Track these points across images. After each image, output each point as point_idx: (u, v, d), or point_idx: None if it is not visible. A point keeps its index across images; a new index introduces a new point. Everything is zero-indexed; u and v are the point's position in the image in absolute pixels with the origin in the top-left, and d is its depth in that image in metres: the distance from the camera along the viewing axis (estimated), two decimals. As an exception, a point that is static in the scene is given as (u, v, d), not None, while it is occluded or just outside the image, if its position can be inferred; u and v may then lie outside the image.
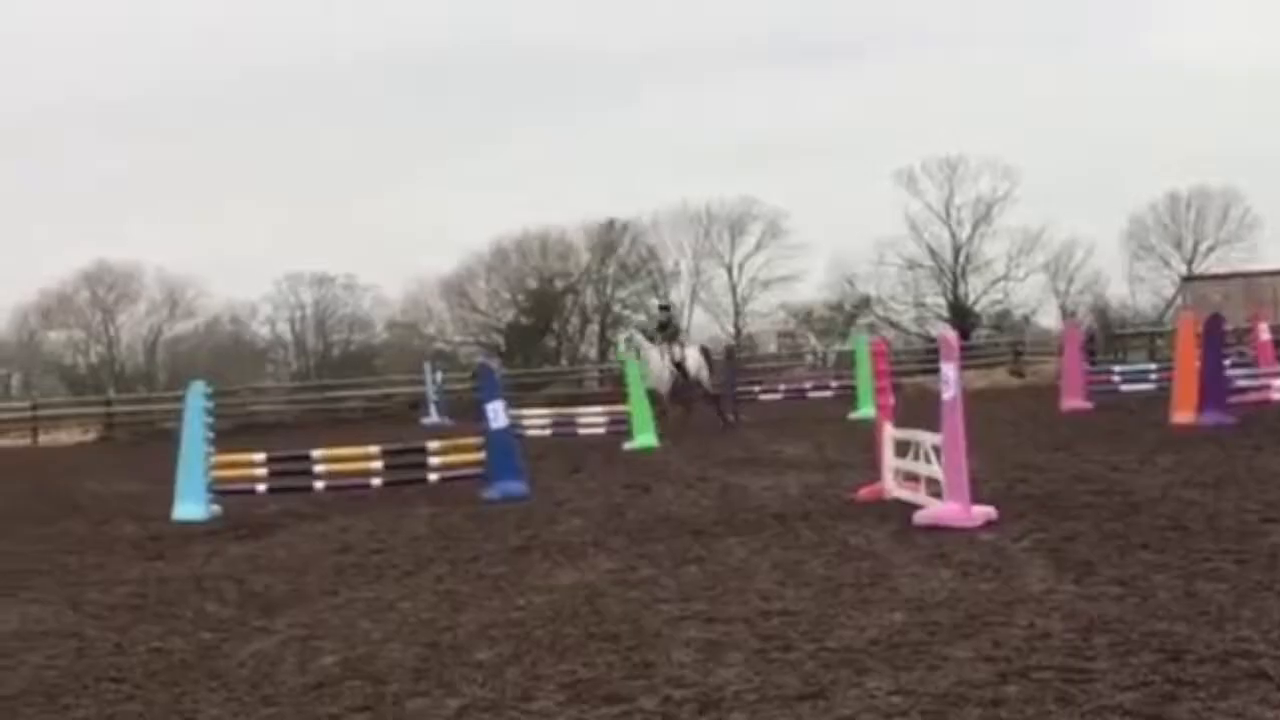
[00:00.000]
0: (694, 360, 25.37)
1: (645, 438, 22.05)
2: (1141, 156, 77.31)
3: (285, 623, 8.89)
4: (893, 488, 12.80)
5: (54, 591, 10.78)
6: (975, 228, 64.85)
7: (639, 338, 26.05)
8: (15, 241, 75.68)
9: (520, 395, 34.32)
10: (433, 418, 35.86)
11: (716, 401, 25.83)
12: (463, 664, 7.30)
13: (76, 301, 64.45)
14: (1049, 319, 64.19)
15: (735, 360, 32.28)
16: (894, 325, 64.69)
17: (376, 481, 15.93)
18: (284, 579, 10.69)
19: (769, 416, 27.42)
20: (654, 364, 24.45)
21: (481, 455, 15.76)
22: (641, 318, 65.42)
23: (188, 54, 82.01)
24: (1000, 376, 40.97)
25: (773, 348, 64.62)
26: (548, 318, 64.11)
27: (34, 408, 42.19)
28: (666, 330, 25.95)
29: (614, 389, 34.68)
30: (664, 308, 28.85)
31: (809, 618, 7.76)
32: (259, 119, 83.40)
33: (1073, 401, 24.60)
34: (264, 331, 67.95)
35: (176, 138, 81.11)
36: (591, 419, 24.44)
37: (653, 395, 23.42)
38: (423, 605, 9.13)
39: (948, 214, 64.92)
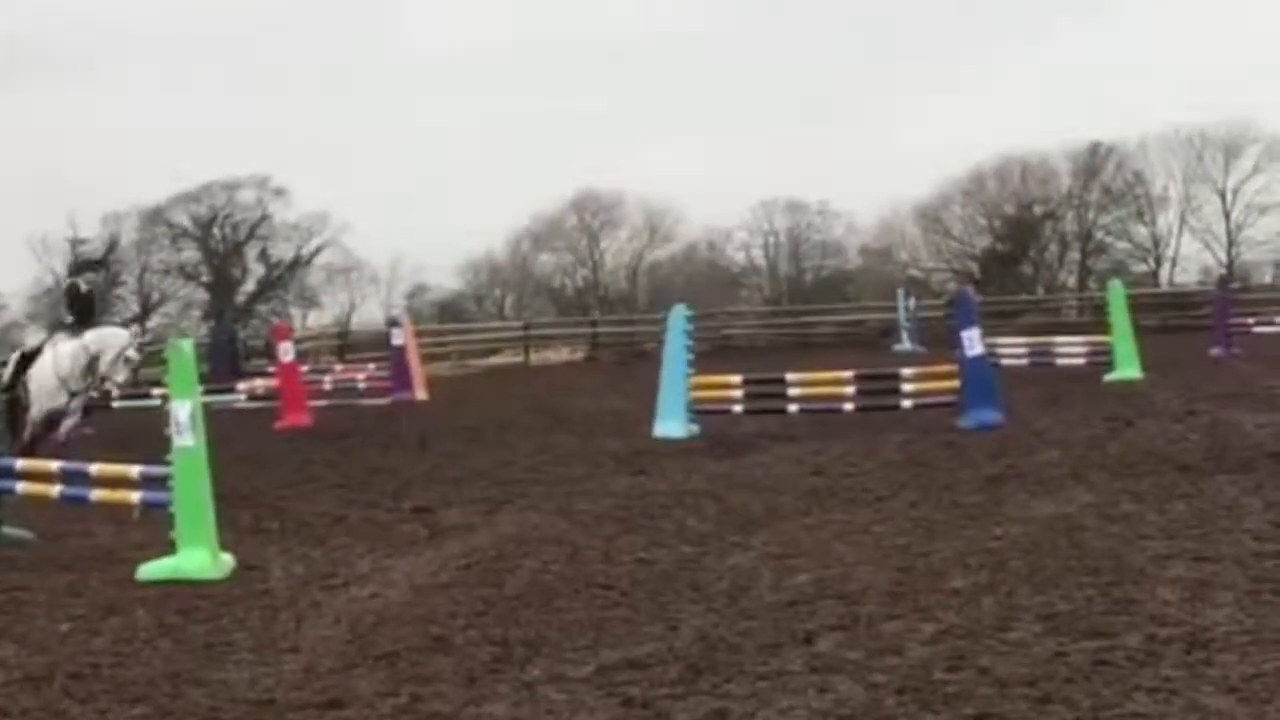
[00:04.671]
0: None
1: (1128, 369, 21.23)
2: None
3: (761, 540, 9.12)
4: (1405, 429, 11.89)
5: (547, 501, 11.44)
6: None
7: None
8: (511, 169, 79.91)
9: (995, 323, 33.64)
10: (904, 344, 35.70)
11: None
12: (937, 590, 7.30)
13: (565, 226, 67.48)
14: None
15: (1227, 290, 30.53)
16: None
17: (849, 406, 16.02)
18: (759, 498, 10.94)
19: (1265, 350, 25.86)
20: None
21: (956, 383, 15.59)
22: (1125, 244, 62.95)
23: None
24: None
25: (1269, 278, 60.77)
26: (1025, 244, 62.42)
27: (526, 327, 44.51)
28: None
29: (1094, 318, 33.54)
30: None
31: (1307, 561, 7.34)
32: (737, 50, 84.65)
33: None
34: (739, 257, 69.14)
35: (658, 72, 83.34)
36: (1070, 349, 23.70)
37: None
38: (896, 530, 9.16)
39: None
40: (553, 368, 37.84)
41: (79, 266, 15.11)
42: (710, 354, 30.27)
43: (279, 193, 63.14)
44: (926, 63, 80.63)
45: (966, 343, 15.48)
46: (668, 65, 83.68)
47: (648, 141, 79.47)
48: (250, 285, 64.85)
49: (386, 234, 76.35)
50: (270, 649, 7.01)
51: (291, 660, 6.76)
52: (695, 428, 15.93)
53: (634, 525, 10.03)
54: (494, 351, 43.27)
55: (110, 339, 14.05)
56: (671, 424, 15.92)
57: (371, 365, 27.75)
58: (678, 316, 16.68)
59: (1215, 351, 26.39)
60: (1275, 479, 10.20)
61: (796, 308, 54.56)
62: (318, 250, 64.47)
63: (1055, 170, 62.69)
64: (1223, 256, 62.18)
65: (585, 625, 7.07)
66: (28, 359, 14.05)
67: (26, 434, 13.59)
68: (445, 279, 66.35)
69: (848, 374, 16.52)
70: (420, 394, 25.40)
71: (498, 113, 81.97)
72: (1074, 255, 63.18)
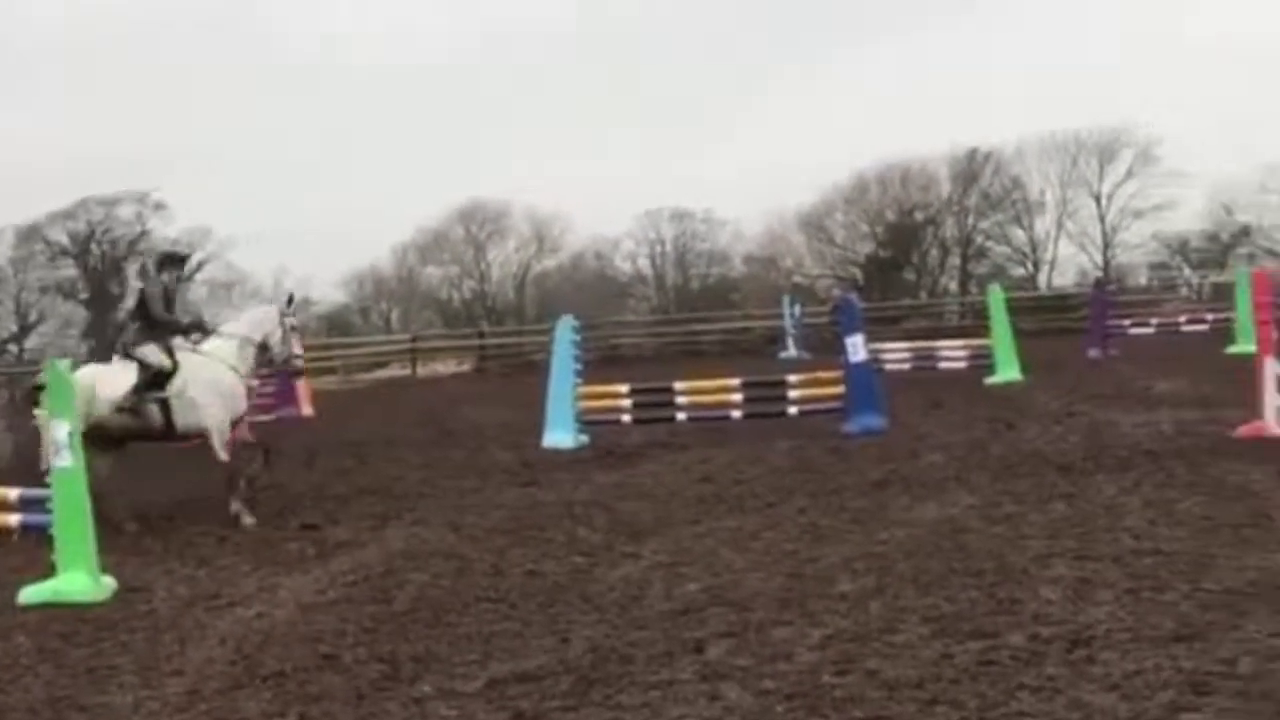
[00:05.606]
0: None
1: (1009, 372, 21.59)
2: None
3: (651, 549, 9.15)
4: (1275, 426, 12.20)
5: (436, 515, 11.38)
6: (1367, 151, 60.50)
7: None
8: (396, 182, 79.41)
9: (879, 329, 34.01)
10: (790, 351, 35.97)
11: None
12: (825, 595, 7.37)
13: (451, 238, 67.19)
14: None
15: (1104, 292, 31.14)
16: (1275, 255, 61.07)
17: (736, 414, 16.13)
18: (649, 507, 10.98)
19: (1140, 351, 26.41)
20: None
21: (840, 389, 15.75)
22: (1004, 249, 63.97)
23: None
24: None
25: (1143, 280, 62.10)
26: (907, 250, 63.21)
27: (413, 340, 44.24)
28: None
29: (975, 322, 34.08)
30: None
31: (1184, 558, 7.51)
32: (622, 59, 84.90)
33: None
34: (626, 266, 69.32)
35: (538, 78, 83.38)
36: (952, 353, 24.08)
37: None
38: (784, 536, 9.24)
39: (1339, 136, 60.77)
40: (441, 380, 37.64)
41: (163, 261, 13.07)
42: (599, 364, 30.29)
43: (158, 208, 62.16)
44: (810, 71, 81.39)
45: (850, 348, 15.66)
46: (552, 73, 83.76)
47: (534, 151, 79.41)
48: (130, 301, 63.67)
49: (270, 248, 75.66)
50: (154, 672, 6.91)
51: (176, 683, 6.67)
52: (584, 438, 15.94)
53: (524, 537, 10.01)
54: (381, 365, 42.98)
55: (266, 321, 12.89)
56: (560, 435, 15.91)
57: (255, 381, 27.38)
58: (564, 328, 16.69)
59: (1092, 353, 26.90)
60: (1152, 478, 10.43)
61: (684, 316, 54.72)
62: (199, 265, 63.59)
63: (935, 176, 63.56)
64: (1099, 259, 63.44)
65: (475, 639, 7.05)
66: (161, 375, 12.08)
67: (225, 453, 12.02)
68: (330, 292, 65.77)
69: (735, 382, 16.62)
70: (306, 410, 25.15)
71: (379, 123, 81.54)
72: (955, 260, 64.13)
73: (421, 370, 40.79)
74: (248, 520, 11.53)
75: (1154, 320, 31.55)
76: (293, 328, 12.91)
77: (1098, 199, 63.77)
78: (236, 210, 75.87)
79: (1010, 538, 8.53)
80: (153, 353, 12.12)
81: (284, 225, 71.66)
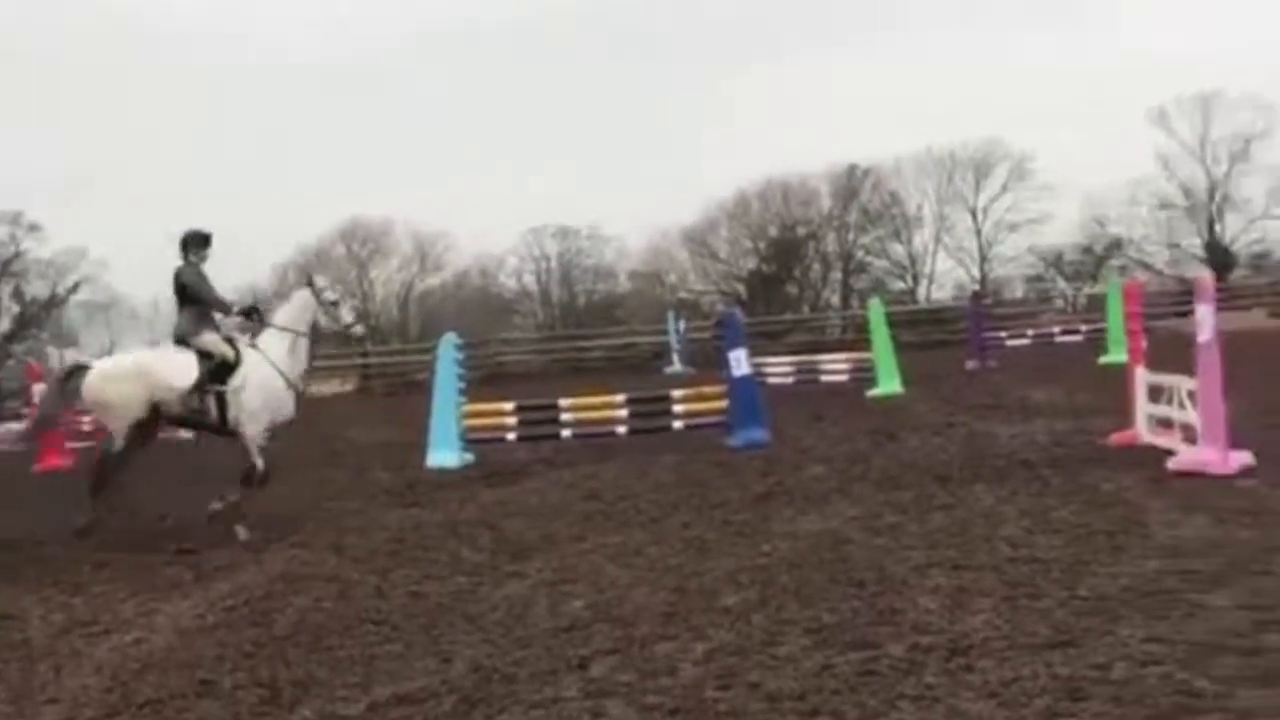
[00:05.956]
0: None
1: (890, 384, 21.85)
2: None
3: (536, 567, 9.12)
4: (1146, 434, 12.47)
5: (318, 537, 11.25)
6: (1232, 165, 62.11)
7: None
8: (275, 200, 78.56)
9: (762, 343, 34.29)
10: (675, 366, 36.13)
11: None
12: (709, 609, 7.39)
13: (333, 256, 66.61)
14: (1314, 259, 61.20)
15: (981, 305, 31.65)
16: (1146, 267, 62.46)
17: (622, 430, 16.15)
18: (534, 525, 10.95)
19: (1017, 362, 26.87)
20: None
21: (724, 403, 15.86)
22: (884, 263, 64.76)
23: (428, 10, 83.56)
24: (1259, 318, 39.36)
25: (1019, 292, 63.23)
26: (789, 265, 63.80)
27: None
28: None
29: (857, 336, 34.44)
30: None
31: (1059, 565, 7.64)
32: (498, 73, 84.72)
33: (1340, 343, 23.55)
34: (511, 284, 69.24)
35: (421, 95, 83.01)
36: (834, 366, 24.33)
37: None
38: (669, 551, 9.25)
39: (1203, 151, 62.34)
40: (323, 400, 37.23)
41: (187, 242, 12.38)
42: (484, 381, 30.20)
43: (33, 228, 61.00)
44: (689, 87, 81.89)
45: (734, 363, 15.77)
46: (434, 89, 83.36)
47: (416, 168, 78.94)
48: (4, 324, 62.38)
49: (147, 269, 74.35)
50: (28, 700, 6.76)
51: (51, 712, 6.53)
52: (469, 456, 15.87)
53: (407, 558, 9.93)
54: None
55: (306, 308, 12.43)
56: (444, 454, 15.83)
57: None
58: (447, 345, 16.62)
59: (971, 365, 27.36)
60: (1028, 487, 10.60)
61: (569, 333, 54.76)
62: (75, 287, 62.44)
63: (816, 192, 64.32)
64: (976, 273, 64.54)
65: (356, 662, 6.97)
66: (224, 367, 11.84)
67: (260, 462, 11.95)
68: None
69: (620, 398, 16.65)
70: (184, 431, 24.73)
71: (257, 140, 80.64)
72: (836, 274, 64.89)
73: (304, 390, 40.25)
74: (242, 534, 11.48)
75: (1030, 332, 32.14)
76: (333, 302, 12.80)
77: (974, 213, 64.93)
78: (112, 231, 74.51)
79: (891, 548, 8.63)
80: (216, 343, 12.02)
81: (161, 246, 70.49)
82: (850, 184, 63.91)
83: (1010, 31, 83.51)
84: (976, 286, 56.05)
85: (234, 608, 8.61)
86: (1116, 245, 63.54)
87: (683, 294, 63.58)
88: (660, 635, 6.90)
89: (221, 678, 6.88)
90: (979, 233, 65.09)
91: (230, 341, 12.06)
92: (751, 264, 64.50)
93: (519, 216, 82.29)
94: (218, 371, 11.87)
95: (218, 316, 12.32)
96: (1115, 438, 12.70)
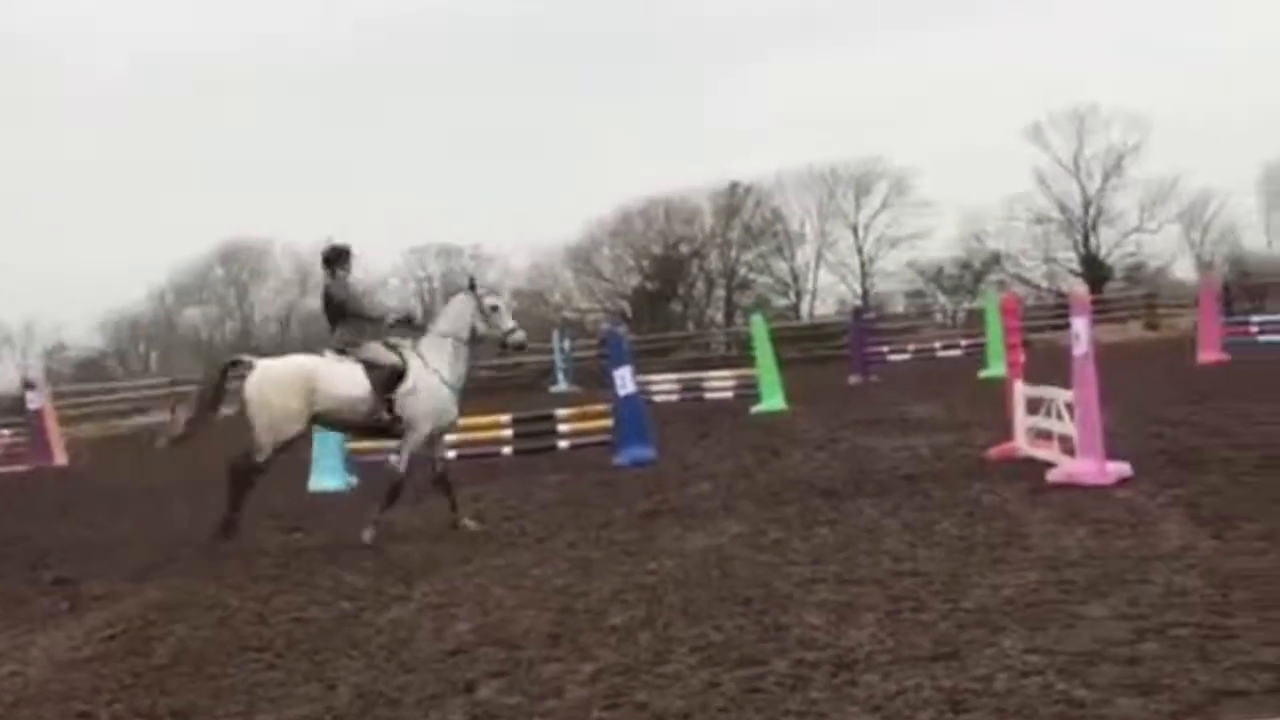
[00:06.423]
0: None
1: (774, 400, 21.99)
2: (1277, 101, 75.01)
3: (421, 591, 9.03)
4: (1025, 446, 12.66)
5: (198, 564, 11.05)
6: (1106, 179, 63.49)
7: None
8: (151, 221, 77.35)
9: (647, 361, 34.35)
10: (561, 385, 36.10)
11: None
12: (596, 629, 7.36)
13: (211, 278, 65.78)
14: (1184, 271, 62.78)
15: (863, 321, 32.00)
16: (1024, 281, 63.64)
17: (507, 450, 16.09)
18: (419, 547, 10.85)
19: (898, 377, 27.20)
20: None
21: (610, 422, 15.86)
22: (767, 279, 65.21)
23: (309, 22, 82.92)
24: (1134, 330, 40.27)
25: (901, 308, 64.05)
26: (673, 283, 64.06)
27: (173, 384, 43.01)
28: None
29: (741, 352, 34.62)
30: None
31: (941, 578, 7.71)
32: (381, 91, 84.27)
33: (1209, 354, 24.13)
34: (393, 303, 68.86)
35: (300, 113, 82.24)
36: (719, 383, 24.45)
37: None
38: (555, 571, 9.22)
39: (1077, 166, 63.67)
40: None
41: (330, 258, 12.13)
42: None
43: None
44: (572, 105, 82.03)
45: (619, 381, 15.78)
46: (312, 109, 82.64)
47: (294, 190, 78.20)
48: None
49: (19, 291, 72.81)
50: (-106, 742, 6.55)
51: (-82, 752, 6.33)
52: (354, 479, 15.70)
53: (290, 584, 9.79)
54: (141, 411, 41.64)
55: (464, 312, 12.23)
56: (328, 477, 15.66)
57: (6, 431, 26.40)
58: (329, 367, 16.39)
59: (854, 379, 27.64)
60: (911, 500, 10.71)
61: (453, 352, 54.36)
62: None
63: (698, 209, 64.65)
64: (858, 288, 65.31)
65: (238, 690, 6.85)
66: (395, 375, 11.79)
67: (404, 466, 11.82)
68: (85, 337, 63.64)
69: (505, 418, 16.59)
70: (61, 459, 24.27)
71: (130, 158, 79.37)
72: (720, 291, 65.27)
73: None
74: (367, 536, 11.42)
75: (911, 347, 32.65)
76: (493, 307, 12.50)
77: (855, 230, 65.75)
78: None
79: (776, 564, 8.66)
80: (382, 353, 11.94)
81: (34, 269, 69.17)
82: (732, 201, 64.37)
83: (890, 49, 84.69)
84: (858, 302, 56.66)
85: (112, 638, 8.43)
86: (995, 260, 64.66)
87: (568, 313, 63.57)
88: (547, 656, 6.86)
89: (99, 709, 6.72)
90: (860, 249, 65.93)
91: (394, 349, 12.05)
92: (635, 282, 64.68)
93: (401, 237, 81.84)
94: (389, 380, 11.85)
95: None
96: (995, 451, 12.88)
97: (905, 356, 30.88)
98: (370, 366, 11.80)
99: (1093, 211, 63.91)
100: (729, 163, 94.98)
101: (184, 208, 79.22)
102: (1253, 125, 74.53)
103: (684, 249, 64.49)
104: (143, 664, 7.64)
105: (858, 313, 34.09)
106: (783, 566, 8.55)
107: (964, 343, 31.11)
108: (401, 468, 11.85)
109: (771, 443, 16.15)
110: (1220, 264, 59.12)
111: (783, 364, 23.72)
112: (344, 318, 12.09)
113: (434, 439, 12.10)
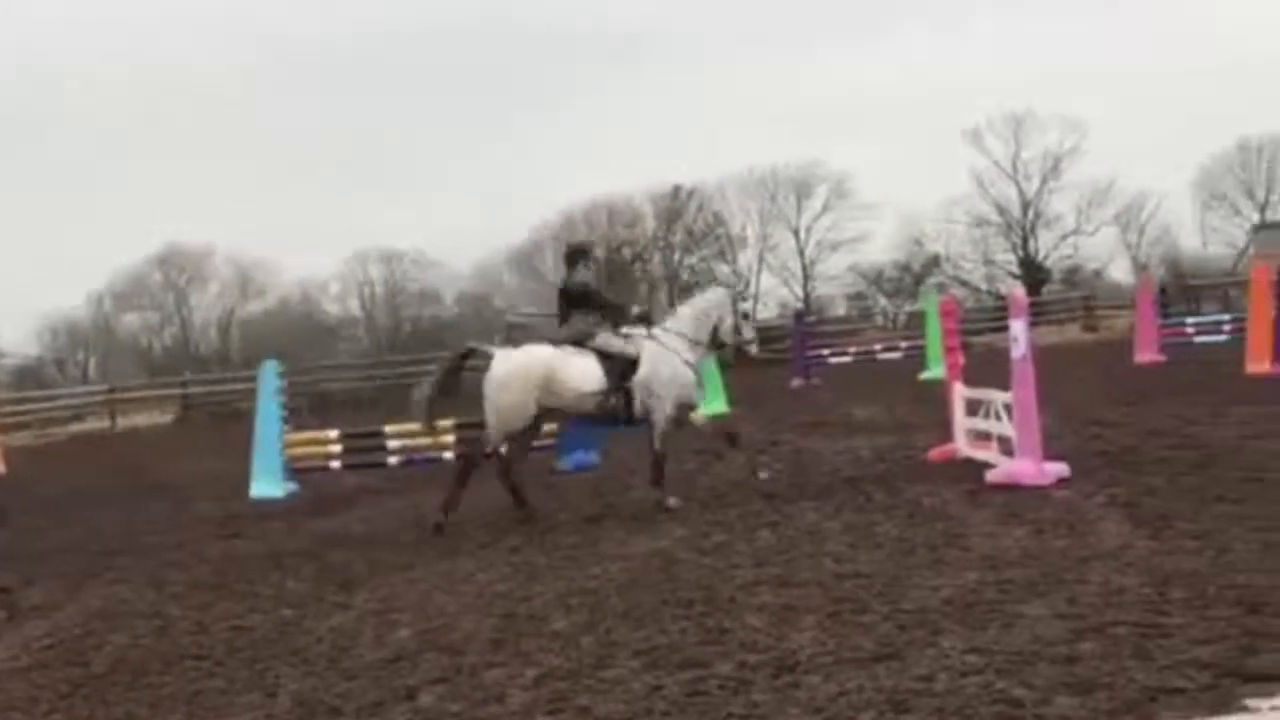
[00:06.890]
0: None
1: (715, 404, 22.00)
2: (1211, 105, 76.01)
3: (363, 597, 8.99)
4: (964, 447, 12.74)
5: (137, 571, 10.96)
6: (1043, 182, 64.15)
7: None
8: (87, 226, 76.57)
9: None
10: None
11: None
12: (539, 634, 7.35)
13: (150, 283, 65.21)
14: (1121, 272, 63.48)
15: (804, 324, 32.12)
16: (964, 284, 64.15)
17: (449, 455, 16.02)
18: (361, 554, 10.80)
19: (839, 379, 27.31)
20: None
21: (554, 426, 15.80)
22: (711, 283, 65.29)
23: (244, 27, 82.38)
24: (1072, 332, 40.64)
25: (842, 310, 64.37)
26: (616, 286, 64.14)
27: (111, 390, 42.62)
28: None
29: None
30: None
31: (882, 579, 7.75)
32: (319, 95, 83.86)
33: (1146, 355, 24.38)
34: (334, 309, 68.50)
35: (238, 118, 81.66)
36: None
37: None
38: (498, 576, 9.20)
39: (1015, 170, 64.26)
40: (142, 432, 36.39)
41: (573, 255, 12.22)
42: (310, 409, 29.73)
43: None
44: (514, 108, 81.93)
45: (561, 386, 15.72)
46: (252, 110, 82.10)
47: (236, 192, 77.67)
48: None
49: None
50: None
51: None
52: (293, 486, 15.60)
53: (230, 592, 9.73)
54: (78, 418, 41.24)
55: (714, 308, 12.31)
56: (268, 484, 15.54)
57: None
58: (268, 373, 16.30)
59: (796, 382, 27.77)
60: (852, 502, 10.76)
61: (396, 358, 54.16)
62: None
63: (641, 213, 64.76)
64: (799, 291, 65.61)
65: (178, 699, 6.80)
66: (629, 365, 11.87)
67: (661, 443, 11.93)
68: (21, 344, 62.91)
69: (448, 423, 16.49)
70: (-2, 467, 23.99)
71: (65, 159, 78.45)
72: (663, 295, 65.28)
73: (122, 422, 39.35)
74: (672, 502, 11.59)
75: (852, 349, 32.78)
76: (745, 315, 12.59)
77: (796, 233, 66.04)
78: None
79: (719, 567, 8.68)
80: (615, 342, 11.94)
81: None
82: (675, 205, 64.53)
83: (828, 51, 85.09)
84: (800, 305, 56.91)
85: (50, 647, 8.36)
86: (934, 262, 65.13)
87: (511, 317, 63.42)
88: (489, 662, 6.85)
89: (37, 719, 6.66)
90: (802, 252, 66.22)
91: (628, 338, 12.08)
92: (579, 286, 64.60)
93: (342, 241, 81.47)
94: (624, 369, 11.88)
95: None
96: (935, 452, 12.97)
97: (846, 359, 31.04)
98: (604, 356, 11.89)
99: (1031, 214, 64.56)
100: (671, 166, 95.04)
101: (121, 211, 78.42)
102: (1188, 128, 75.51)
103: (627, 252, 64.58)
104: (81, 673, 7.58)
105: (799, 316, 34.22)
106: (725, 570, 8.57)
107: (904, 345, 31.31)
108: (657, 445, 11.94)
109: (714, 446, 16.12)
110: (1156, 266, 59.86)
111: (725, 367, 23.72)
112: (581, 309, 12.15)
113: (681, 416, 12.15)
